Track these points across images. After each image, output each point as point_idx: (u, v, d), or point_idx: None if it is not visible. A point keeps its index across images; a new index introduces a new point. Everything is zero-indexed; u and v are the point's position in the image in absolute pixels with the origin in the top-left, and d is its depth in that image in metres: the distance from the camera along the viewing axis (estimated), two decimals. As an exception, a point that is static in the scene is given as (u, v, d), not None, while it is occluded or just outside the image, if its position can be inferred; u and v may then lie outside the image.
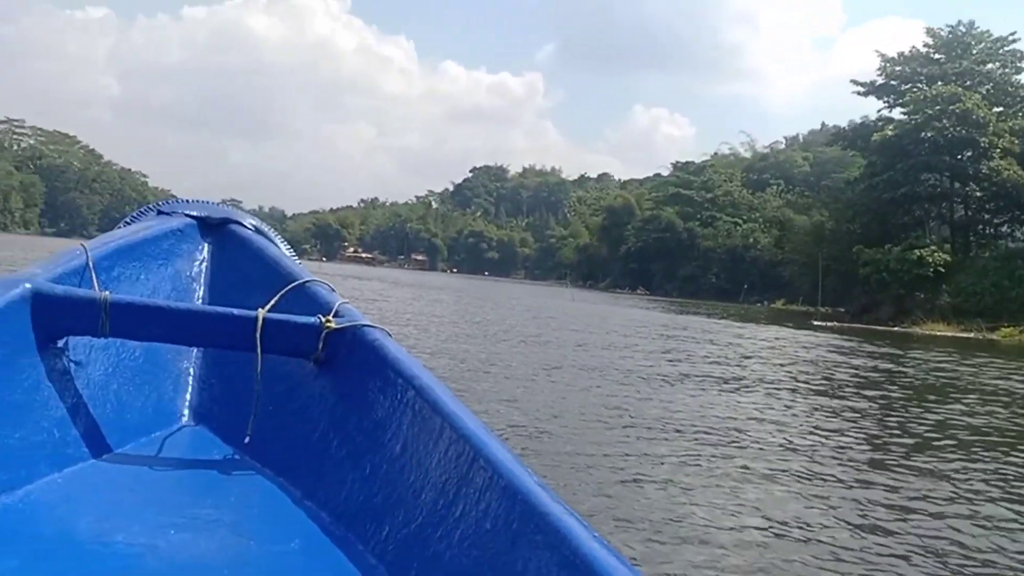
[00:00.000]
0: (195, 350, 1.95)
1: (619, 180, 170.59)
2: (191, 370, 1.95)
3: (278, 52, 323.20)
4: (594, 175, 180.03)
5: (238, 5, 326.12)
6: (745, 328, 28.77)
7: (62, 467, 1.50)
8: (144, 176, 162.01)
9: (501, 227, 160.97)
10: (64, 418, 1.57)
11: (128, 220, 2.31)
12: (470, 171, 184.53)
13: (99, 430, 1.63)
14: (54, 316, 1.58)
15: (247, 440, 1.70)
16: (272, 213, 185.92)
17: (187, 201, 2.26)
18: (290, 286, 1.90)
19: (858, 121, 58.58)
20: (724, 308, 53.10)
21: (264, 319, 1.69)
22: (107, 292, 1.64)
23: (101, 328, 1.61)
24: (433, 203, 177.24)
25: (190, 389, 1.92)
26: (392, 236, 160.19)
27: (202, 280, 2.10)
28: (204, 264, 2.13)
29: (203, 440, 1.79)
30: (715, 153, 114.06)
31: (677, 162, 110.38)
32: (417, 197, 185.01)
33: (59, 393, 1.59)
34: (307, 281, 1.94)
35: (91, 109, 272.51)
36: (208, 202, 2.29)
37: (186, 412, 1.88)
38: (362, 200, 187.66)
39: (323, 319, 1.72)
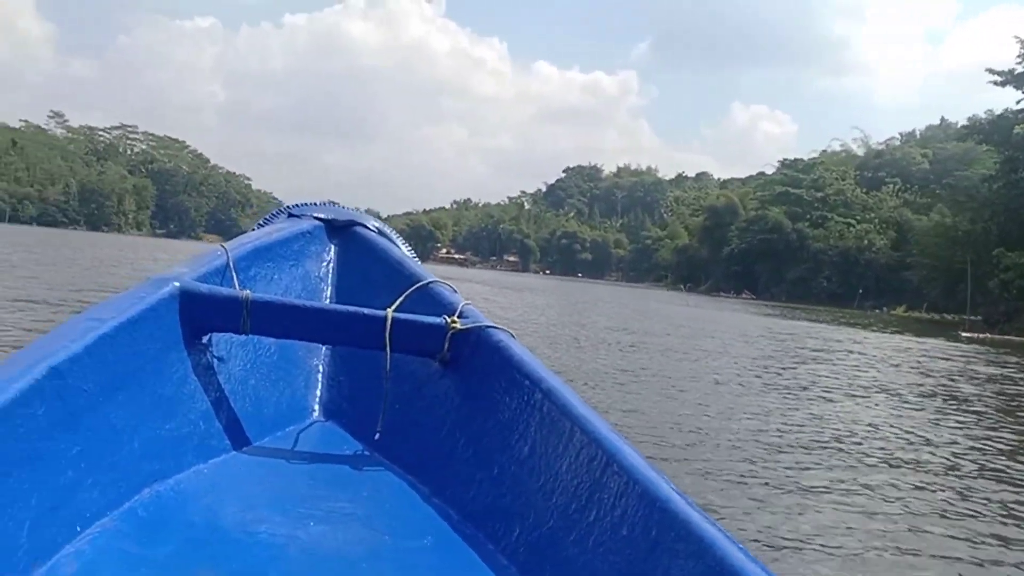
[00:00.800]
0: (324, 348, 2.03)
1: (718, 179, 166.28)
2: (320, 367, 2.02)
3: (374, 56, 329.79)
4: (692, 174, 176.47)
5: (337, 12, 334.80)
6: (878, 337, 26.60)
7: (207, 458, 1.59)
8: (247, 179, 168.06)
9: (595, 228, 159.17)
10: (208, 411, 1.66)
11: (262, 222, 2.38)
12: (563, 171, 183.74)
13: (239, 423, 1.72)
14: (200, 313, 1.66)
15: (377, 437, 1.77)
16: (368, 214, 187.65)
17: (315, 204, 2.32)
18: (414, 287, 1.94)
19: (981, 115, 54.30)
20: (840, 314, 50.28)
21: (392, 319, 1.75)
22: (248, 291, 1.71)
23: (243, 325, 1.69)
24: (525, 204, 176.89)
25: (319, 386, 2.00)
26: (484, 237, 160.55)
27: (329, 280, 2.18)
28: (331, 265, 2.20)
29: (333, 435, 1.87)
30: (824, 150, 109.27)
31: (784, 159, 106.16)
32: (509, 198, 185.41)
33: (204, 387, 1.67)
34: (430, 282, 1.98)
35: (199, 115, 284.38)
36: (335, 205, 2.34)
37: (316, 408, 1.96)
38: (455, 201, 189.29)
39: (448, 320, 1.77)
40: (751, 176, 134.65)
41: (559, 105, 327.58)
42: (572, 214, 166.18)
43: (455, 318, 1.78)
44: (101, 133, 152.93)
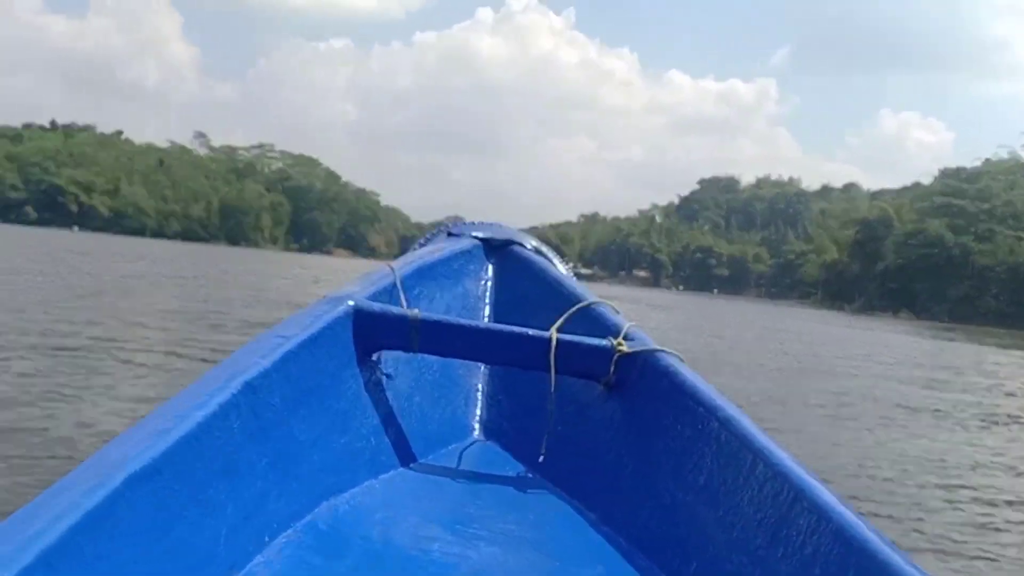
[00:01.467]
0: (483, 367, 2.07)
1: (868, 190, 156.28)
2: (479, 386, 2.07)
3: (502, 70, 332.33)
4: (838, 185, 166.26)
5: (465, 28, 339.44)
6: None
7: (378, 473, 1.65)
8: (376, 195, 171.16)
9: (732, 242, 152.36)
10: (378, 427, 1.72)
11: (422, 241, 2.47)
12: (697, 183, 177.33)
13: (406, 440, 1.77)
14: (372, 332, 1.73)
15: (541, 459, 1.77)
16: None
17: (473, 223, 2.39)
18: (576, 307, 1.95)
19: None
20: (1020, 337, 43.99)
21: (557, 340, 1.75)
22: (416, 310, 1.76)
23: (411, 344, 1.75)
24: (656, 217, 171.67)
25: (479, 405, 2.04)
26: (613, 251, 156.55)
27: (487, 299, 2.24)
28: (489, 284, 2.27)
29: (495, 456, 1.89)
30: (988, 159, 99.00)
31: (944, 169, 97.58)
32: (640, 211, 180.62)
33: (374, 403, 1.73)
34: (592, 303, 1.98)
35: (331, 133, 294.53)
36: (493, 224, 2.40)
37: (477, 427, 2.00)
38: (582, 215, 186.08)
39: (614, 342, 1.76)
40: (905, 187, 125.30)
41: (692, 115, 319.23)
42: (707, 227, 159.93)
43: (621, 340, 1.76)
44: (241, 152, 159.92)
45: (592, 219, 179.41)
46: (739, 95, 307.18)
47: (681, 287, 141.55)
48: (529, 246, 2.33)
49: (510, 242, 2.31)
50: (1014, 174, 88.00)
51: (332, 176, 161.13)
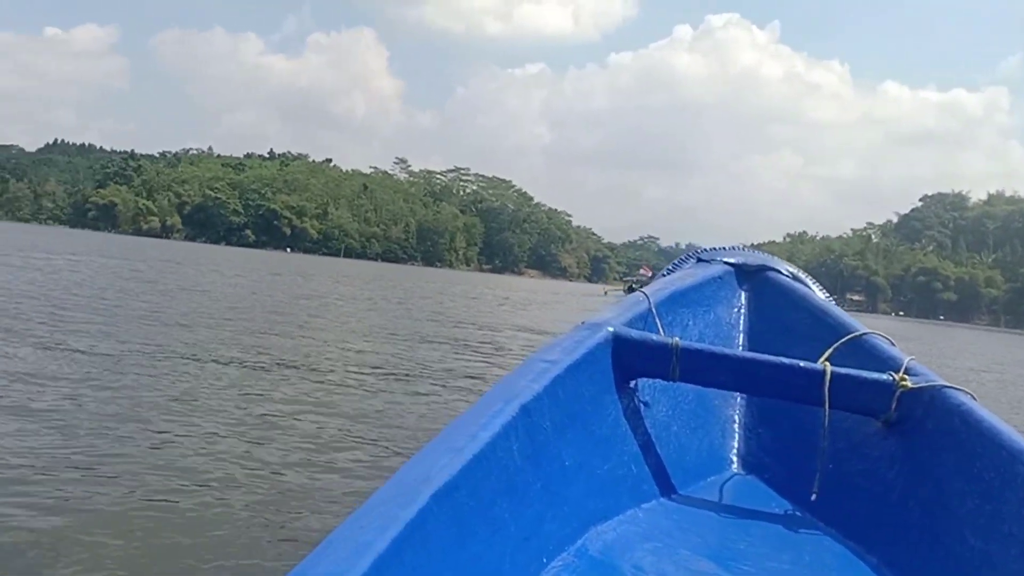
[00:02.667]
0: (739, 398, 2.02)
1: None
2: (736, 417, 2.01)
3: (699, 87, 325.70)
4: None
5: (662, 46, 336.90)
6: None
7: (640, 502, 1.64)
8: (568, 215, 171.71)
9: (960, 264, 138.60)
10: (638, 455, 1.71)
11: (670, 268, 2.46)
12: (919, 200, 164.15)
13: (664, 470, 1.75)
14: (631, 359, 1.73)
15: (813, 497, 1.69)
16: (688, 249, 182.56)
17: (724, 249, 2.36)
18: (846, 338, 1.87)
19: None
20: None
21: (832, 373, 1.68)
22: (677, 339, 1.74)
23: (671, 372, 1.73)
24: (872, 236, 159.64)
25: (737, 437, 1.99)
26: (823, 273, 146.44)
27: (740, 327, 2.19)
28: (742, 311, 2.22)
29: (757, 491, 1.83)
30: None
31: None
32: (853, 230, 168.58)
33: (633, 431, 1.73)
34: (863, 333, 1.90)
35: (525, 156, 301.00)
36: (744, 249, 2.37)
37: (735, 459, 1.95)
38: (788, 234, 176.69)
39: (896, 376, 1.67)
40: None
41: (910, 128, 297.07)
42: (931, 248, 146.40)
43: (903, 375, 1.67)
44: (438, 176, 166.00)
45: (799, 238, 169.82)
46: (963, 106, 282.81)
47: (901, 312, 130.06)
48: (785, 272, 2.26)
49: (764, 268, 2.25)
50: None
51: (524, 197, 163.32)
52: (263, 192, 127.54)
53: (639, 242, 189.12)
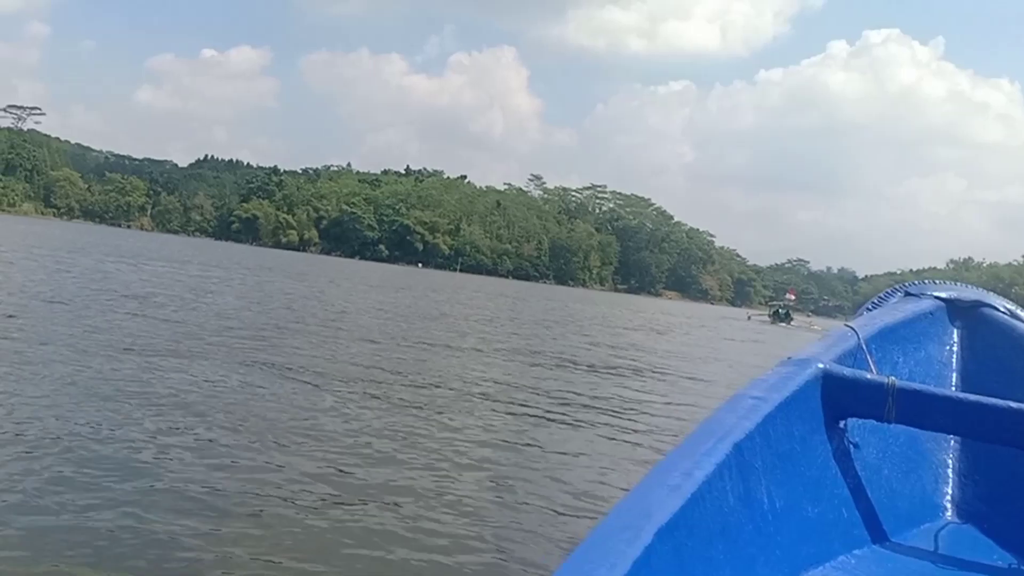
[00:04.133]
0: (953, 441, 1.96)
1: None
2: (950, 462, 1.95)
3: (855, 107, 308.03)
4: None
5: (815, 63, 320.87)
6: None
7: (851, 549, 1.61)
8: (711, 236, 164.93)
9: None
10: (848, 499, 1.67)
11: (876, 301, 2.38)
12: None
13: (875, 515, 1.71)
14: (842, 397, 1.67)
15: None
16: (842, 274, 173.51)
17: (935, 283, 2.29)
18: None
19: None
20: None
21: None
22: (893, 378, 1.69)
23: (886, 413, 1.67)
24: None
25: (951, 482, 1.92)
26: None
27: (953, 366, 2.12)
28: (955, 348, 2.14)
29: (975, 540, 1.77)
30: None
31: None
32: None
33: (843, 473, 1.69)
34: None
35: (666, 175, 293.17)
36: (957, 283, 2.31)
37: (949, 506, 1.88)
38: (951, 260, 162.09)
39: None
40: None
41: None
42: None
43: None
44: (573, 193, 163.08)
45: (964, 265, 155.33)
46: None
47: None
48: (1002, 308, 2.17)
49: (979, 303, 2.17)
50: None
51: (663, 216, 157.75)
52: (397, 207, 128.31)
53: (787, 265, 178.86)
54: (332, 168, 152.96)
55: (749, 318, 62.70)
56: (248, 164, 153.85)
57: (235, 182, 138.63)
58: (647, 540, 1.02)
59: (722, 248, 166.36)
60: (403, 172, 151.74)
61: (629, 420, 7.73)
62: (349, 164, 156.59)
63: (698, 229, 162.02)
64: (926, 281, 2.29)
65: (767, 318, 60.41)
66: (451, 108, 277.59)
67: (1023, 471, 1.70)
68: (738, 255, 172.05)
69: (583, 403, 8.23)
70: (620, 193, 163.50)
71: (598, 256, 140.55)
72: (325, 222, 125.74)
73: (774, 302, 78.78)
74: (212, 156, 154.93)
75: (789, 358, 1.70)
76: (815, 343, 1.85)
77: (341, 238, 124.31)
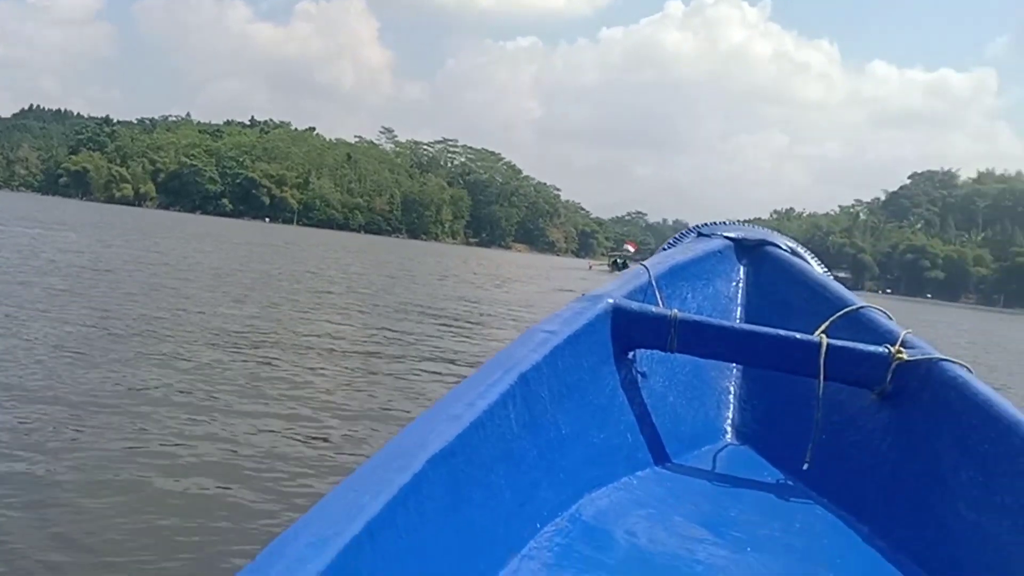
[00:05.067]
0: (735, 369, 2.03)
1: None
2: (731, 389, 2.02)
3: (690, 65, 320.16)
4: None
5: (653, 22, 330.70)
6: None
7: (635, 470, 1.66)
8: (557, 190, 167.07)
9: (948, 242, 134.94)
10: (633, 424, 1.72)
11: (671, 241, 2.43)
12: (908, 177, 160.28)
13: (659, 439, 1.76)
14: (630, 330, 1.73)
15: (806, 467, 1.70)
16: (676, 226, 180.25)
17: (724, 223, 2.35)
18: (843, 311, 1.86)
19: None
20: None
21: (828, 345, 1.67)
22: (676, 310, 1.74)
23: (669, 343, 1.73)
24: (860, 214, 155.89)
25: (732, 407, 2.00)
26: (810, 250, 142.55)
27: (739, 300, 2.20)
28: (740, 284, 2.22)
29: (750, 460, 1.84)
30: None
31: None
32: (840, 207, 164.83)
33: (629, 401, 1.74)
34: (861, 307, 1.90)
35: (515, 131, 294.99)
36: (744, 224, 2.35)
37: (729, 429, 1.96)
38: (775, 211, 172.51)
39: (892, 349, 1.66)
40: None
41: (896, 108, 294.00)
42: (919, 226, 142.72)
43: (899, 348, 1.66)
44: (425, 147, 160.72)
45: (786, 215, 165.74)
46: (951, 87, 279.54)
47: (888, 290, 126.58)
48: (784, 247, 2.24)
49: (764, 242, 2.24)
50: None
51: (513, 170, 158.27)
52: (241, 160, 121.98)
53: (627, 218, 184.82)
54: (171, 119, 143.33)
55: (591, 268, 64.11)
56: (78, 114, 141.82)
57: (63, 133, 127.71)
58: (418, 468, 1.03)
59: (567, 202, 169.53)
60: (247, 123, 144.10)
61: (455, 365, 7.40)
62: (189, 115, 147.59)
63: (545, 183, 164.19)
64: (716, 222, 2.33)
65: (607, 268, 61.99)
66: (298, 58, 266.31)
67: (796, 395, 1.76)
68: (582, 208, 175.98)
69: (425, 355, 7.87)
70: (472, 147, 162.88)
71: (450, 210, 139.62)
72: (163, 175, 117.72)
73: (614, 253, 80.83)
74: (38, 106, 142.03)
75: (583, 295, 1.75)
76: (611, 281, 1.88)
77: (181, 192, 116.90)
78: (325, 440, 4.41)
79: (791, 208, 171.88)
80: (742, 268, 2.20)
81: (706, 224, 2.34)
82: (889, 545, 1.49)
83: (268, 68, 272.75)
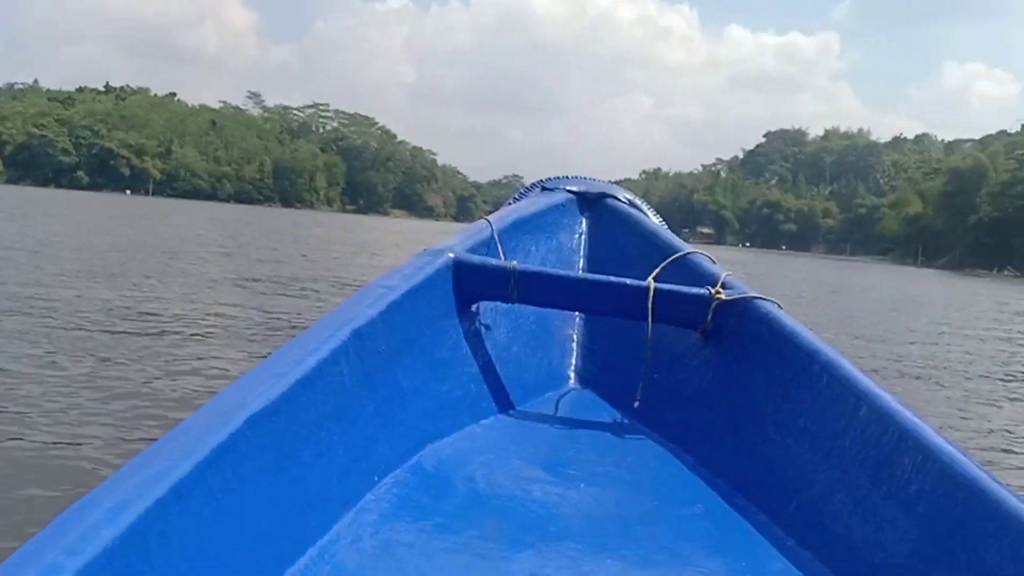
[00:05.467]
0: (578, 318, 2.08)
1: (942, 141, 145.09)
2: (574, 336, 2.07)
3: (558, 29, 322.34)
4: (909, 136, 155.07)
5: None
6: None
7: (479, 419, 1.69)
8: (433, 154, 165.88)
9: (800, 196, 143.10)
10: (478, 375, 1.76)
11: (516, 196, 2.47)
12: (763, 136, 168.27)
13: (504, 388, 1.80)
14: (471, 283, 1.76)
15: (636, 405, 1.78)
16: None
17: (567, 177, 2.38)
18: (672, 257, 1.95)
19: None
20: None
21: (655, 289, 1.75)
22: (515, 262, 1.79)
23: (510, 294, 1.77)
24: (721, 172, 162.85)
25: (575, 354, 2.05)
26: (676, 208, 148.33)
27: (581, 251, 2.24)
28: (583, 236, 2.26)
29: (591, 403, 1.91)
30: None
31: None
32: (703, 165, 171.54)
33: (473, 352, 1.77)
34: (688, 253, 1.98)
35: (388, 95, 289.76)
36: (587, 178, 2.39)
37: (572, 375, 2.01)
38: (643, 171, 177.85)
39: (712, 291, 1.75)
40: (989, 136, 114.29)
41: (751, 71, 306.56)
42: (774, 182, 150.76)
43: (719, 288, 1.76)
44: (295, 112, 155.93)
45: (654, 175, 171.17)
46: (800, 49, 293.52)
47: (747, 244, 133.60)
48: (623, 199, 2.29)
49: (604, 195, 2.29)
50: None
51: (387, 135, 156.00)
52: (96, 129, 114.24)
53: (504, 181, 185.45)
54: (16, 86, 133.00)
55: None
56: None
57: None
58: (235, 427, 1.01)
59: (444, 166, 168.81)
60: (102, 90, 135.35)
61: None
62: (36, 81, 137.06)
63: (421, 148, 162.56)
64: (560, 177, 2.38)
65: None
66: (157, 21, 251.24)
67: (632, 339, 1.80)
68: (460, 172, 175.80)
69: (289, 328, 7.94)
70: (344, 112, 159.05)
71: (324, 177, 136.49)
72: (9, 147, 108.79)
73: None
74: None
75: (424, 250, 1.76)
76: (454, 236, 1.90)
77: (30, 165, 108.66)
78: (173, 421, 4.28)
79: (659, 168, 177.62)
80: (584, 220, 2.26)
81: (550, 179, 2.38)
82: (710, 471, 1.57)
83: (124, 31, 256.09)
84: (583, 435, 1.72)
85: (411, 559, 1.18)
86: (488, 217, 2.04)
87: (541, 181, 2.40)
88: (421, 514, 1.30)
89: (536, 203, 2.18)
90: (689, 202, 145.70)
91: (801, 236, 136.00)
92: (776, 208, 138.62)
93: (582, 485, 1.46)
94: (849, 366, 1.46)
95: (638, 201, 2.34)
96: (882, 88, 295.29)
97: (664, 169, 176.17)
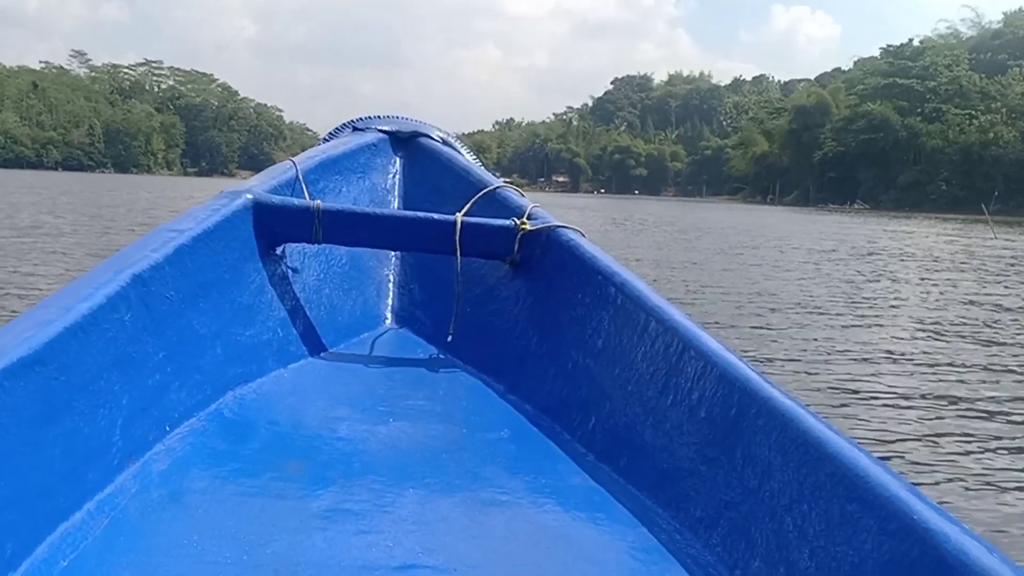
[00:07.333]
0: (394, 257, 2.06)
1: (779, 81, 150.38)
2: (391, 276, 2.05)
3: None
4: (748, 78, 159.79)
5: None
6: None
7: (286, 363, 1.64)
8: (280, 111, 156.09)
9: (649, 141, 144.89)
10: (285, 319, 1.69)
11: (326, 137, 2.39)
12: (611, 83, 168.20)
13: (315, 331, 1.75)
14: (273, 224, 1.68)
15: (449, 339, 1.78)
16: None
17: (379, 117, 2.32)
18: (482, 192, 1.93)
19: None
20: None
21: (462, 223, 1.74)
22: (319, 201, 1.72)
23: (315, 235, 1.71)
24: (572, 120, 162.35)
25: (391, 294, 2.02)
26: (531, 158, 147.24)
27: (396, 191, 2.19)
28: (397, 176, 2.21)
29: (406, 341, 1.90)
30: (928, 36, 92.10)
31: (888, 46, 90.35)
32: (555, 114, 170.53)
33: (280, 296, 1.70)
34: (498, 187, 1.97)
35: (228, 51, 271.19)
36: (399, 117, 2.34)
37: (388, 315, 1.99)
38: (497, 122, 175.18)
39: (518, 222, 1.76)
40: (825, 73, 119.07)
41: (594, 19, 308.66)
42: (623, 128, 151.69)
43: (524, 220, 1.76)
44: (125, 71, 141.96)
45: (507, 126, 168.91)
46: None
47: (602, 190, 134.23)
48: (436, 137, 2.26)
49: (417, 134, 2.24)
50: (955, 49, 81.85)
51: (228, 92, 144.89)
52: None
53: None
54: None
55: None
56: None
57: None
58: None
59: (292, 123, 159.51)
60: None
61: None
62: None
63: (266, 105, 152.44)
64: (371, 116, 2.28)
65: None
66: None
67: (446, 275, 1.79)
68: (309, 129, 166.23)
69: None
70: (179, 69, 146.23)
71: (162, 139, 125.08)
72: None
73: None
74: None
75: (221, 192, 1.66)
76: (253, 177, 1.83)
77: None
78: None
79: (511, 118, 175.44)
80: (398, 160, 2.18)
81: (360, 119, 2.27)
82: (519, 398, 1.60)
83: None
84: (396, 373, 1.69)
85: (202, 505, 1.12)
86: (293, 158, 1.94)
87: (352, 121, 2.29)
88: (216, 460, 1.24)
89: (346, 143, 2.11)
90: (543, 151, 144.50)
91: (652, 180, 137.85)
92: (627, 153, 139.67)
93: (391, 420, 1.44)
94: (642, 286, 1.49)
95: (451, 139, 2.27)
96: (716, 33, 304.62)
97: (517, 119, 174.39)
